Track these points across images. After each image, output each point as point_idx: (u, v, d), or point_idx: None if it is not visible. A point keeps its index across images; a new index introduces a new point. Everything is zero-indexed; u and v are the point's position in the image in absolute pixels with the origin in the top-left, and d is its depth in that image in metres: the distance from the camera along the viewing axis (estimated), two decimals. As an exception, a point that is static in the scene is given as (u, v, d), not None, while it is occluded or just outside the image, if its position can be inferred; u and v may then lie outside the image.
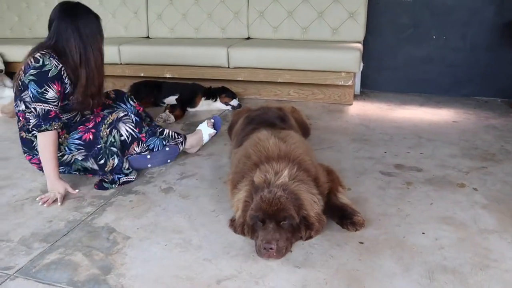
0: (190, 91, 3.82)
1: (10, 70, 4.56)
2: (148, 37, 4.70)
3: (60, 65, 2.17)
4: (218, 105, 3.80)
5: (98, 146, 2.27)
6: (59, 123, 2.19)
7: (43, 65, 2.12)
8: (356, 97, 4.04)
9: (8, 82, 4.53)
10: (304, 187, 1.66)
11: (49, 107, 2.15)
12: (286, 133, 2.04)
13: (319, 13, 4.04)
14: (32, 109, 2.15)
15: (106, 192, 2.24)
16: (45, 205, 2.15)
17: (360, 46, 3.79)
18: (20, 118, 2.30)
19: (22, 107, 2.23)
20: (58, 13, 2.26)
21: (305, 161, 1.83)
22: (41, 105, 2.14)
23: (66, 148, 2.30)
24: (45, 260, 1.70)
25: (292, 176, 1.66)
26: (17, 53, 4.47)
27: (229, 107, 3.76)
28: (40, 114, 2.13)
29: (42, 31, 4.96)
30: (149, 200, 2.14)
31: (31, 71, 2.13)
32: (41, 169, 2.27)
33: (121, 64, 4.25)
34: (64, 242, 1.82)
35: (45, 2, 5.03)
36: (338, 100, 3.84)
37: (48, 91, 2.13)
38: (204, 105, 3.81)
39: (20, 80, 2.20)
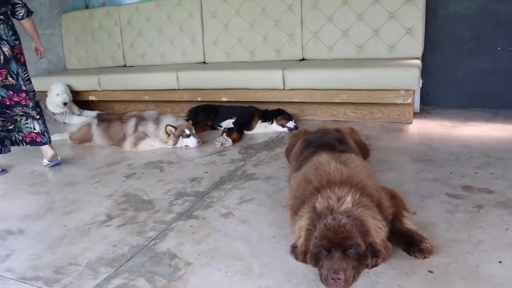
0: (247, 114, 3.84)
1: (77, 99, 4.78)
2: (204, 62, 4.81)
3: None
4: (274, 128, 3.79)
5: None
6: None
7: None
8: (415, 115, 3.91)
9: (75, 109, 4.77)
10: (368, 212, 1.60)
11: None
12: (347, 157, 1.99)
13: (375, 31, 3.97)
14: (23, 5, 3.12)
15: (167, 217, 2.27)
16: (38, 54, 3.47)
17: (418, 62, 3.68)
18: None
19: None
20: None
21: (368, 185, 1.77)
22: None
23: None
24: (111, 285, 1.73)
25: (355, 202, 1.61)
26: (83, 83, 4.71)
27: (285, 129, 3.75)
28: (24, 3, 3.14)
29: (106, 61, 5.25)
30: (209, 225, 2.15)
31: None
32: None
33: (179, 89, 4.34)
34: (128, 267, 1.85)
35: (109, 34, 5.27)
36: (397, 118, 3.73)
37: None
38: (261, 128, 3.81)
39: None
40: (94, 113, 4.88)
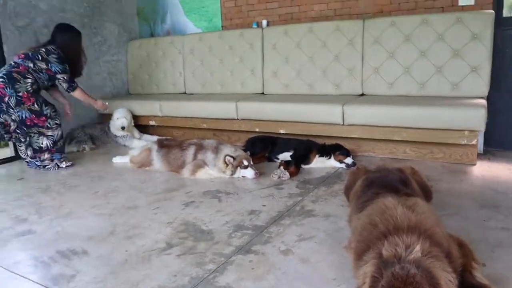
0: (305, 148, 3.85)
1: (138, 123, 4.96)
2: (263, 93, 4.87)
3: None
4: (332, 163, 3.77)
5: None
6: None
7: (59, 54, 3.95)
8: (479, 156, 3.77)
9: (136, 133, 4.94)
10: (438, 264, 1.55)
11: (69, 74, 4.02)
12: (413, 201, 1.95)
13: (438, 68, 3.91)
14: (62, 79, 4.03)
15: (227, 250, 2.29)
16: (103, 107, 4.43)
17: (484, 102, 3.57)
18: (21, 68, 3.83)
19: (30, 64, 3.86)
20: (61, 29, 4.20)
21: (437, 233, 1.72)
22: (66, 75, 4.03)
23: (18, 111, 3.85)
24: (172, 317, 1.75)
25: (424, 252, 1.56)
26: (145, 108, 4.90)
27: (343, 165, 3.72)
28: (68, 80, 4.04)
29: (167, 87, 5.45)
30: (268, 262, 2.14)
31: (54, 55, 3.93)
32: None
33: (238, 119, 4.41)
34: (189, 300, 1.87)
35: (171, 62, 5.48)
36: (460, 159, 3.62)
37: (67, 67, 4.00)
38: (318, 162, 3.80)
39: (41, 55, 3.90)
40: (153, 137, 5.04)
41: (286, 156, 3.90)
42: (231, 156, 3.57)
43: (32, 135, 3.98)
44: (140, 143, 4.85)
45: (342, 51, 4.31)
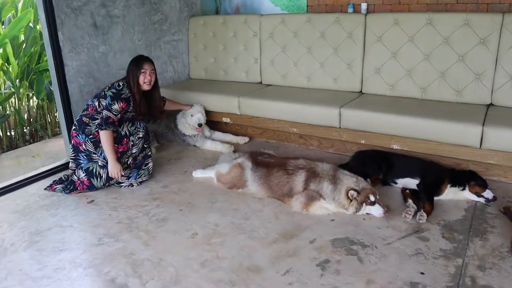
0: (435, 176, 3.19)
1: (208, 119, 4.30)
2: (361, 92, 4.15)
3: (130, 94, 3.38)
4: (466, 195, 3.12)
5: None
6: (114, 128, 3.33)
7: (121, 90, 3.35)
8: None
9: (206, 131, 4.29)
10: None
11: (110, 114, 3.28)
12: None
13: None
14: (102, 114, 3.30)
15: None
16: (116, 177, 3.40)
17: None
18: (90, 109, 3.42)
19: (96, 103, 3.38)
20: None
21: None
22: (106, 112, 3.28)
23: (101, 151, 3.39)
24: None
25: None
26: (219, 104, 4.36)
27: (480, 199, 3.06)
28: (104, 117, 3.27)
29: (238, 75, 4.71)
30: None
31: (113, 89, 3.33)
32: (73, 144, 3.43)
33: (339, 128, 3.72)
34: None
35: (245, 46, 4.70)
36: None
37: (115, 105, 3.28)
38: (450, 194, 3.16)
39: (105, 91, 3.36)
40: (226, 136, 4.38)
41: (408, 182, 3.26)
42: (355, 190, 2.91)
43: (124, 160, 3.50)
44: (214, 145, 4.20)
45: (471, 51, 3.54)
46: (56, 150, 4.68)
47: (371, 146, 3.66)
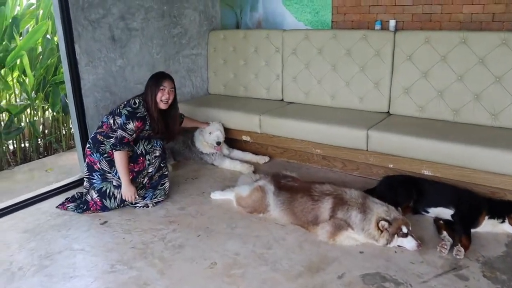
0: (470, 205, 2.97)
1: (227, 136, 4.12)
2: (388, 112, 3.95)
3: (146, 113, 3.21)
4: (505, 228, 2.90)
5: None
6: (129, 148, 3.16)
7: (137, 108, 3.18)
8: None
9: (225, 149, 4.12)
10: None
11: (125, 134, 3.12)
12: None
13: None
14: (116, 133, 3.12)
15: None
16: (130, 200, 3.24)
17: None
18: (104, 126, 3.26)
19: (111, 121, 3.22)
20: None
21: None
22: (121, 132, 3.11)
23: (115, 171, 3.21)
24: None
25: None
26: (239, 122, 4.19)
27: (521, 232, 2.83)
28: (118, 138, 3.11)
29: (259, 92, 4.55)
30: None
31: (128, 107, 3.15)
32: (87, 163, 3.27)
33: (366, 151, 3.52)
34: None
35: (266, 62, 4.54)
36: None
37: (130, 124, 3.11)
38: (487, 226, 2.93)
39: (120, 108, 3.20)
40: (245, 154, 4.20)
41: (442, 212, 3.04)
42: (387, 221, 2.70)
43: (140, 180, 3.37)
44: (233, 164, 4.02)
45: (509, 72, 3.33)
46: (70, 164, 4.54)
47: (400, 171, 3.46)
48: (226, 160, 4.08)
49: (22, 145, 5.06)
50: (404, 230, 2.71)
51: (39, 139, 5.10)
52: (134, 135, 3.16)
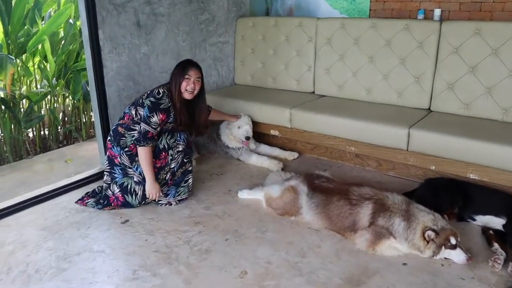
0: (524, 214, 2.68)
1: (254, 130, 3.88)
2: (429, 109, 3.66)
3: (170, 104, 2.98)
4: (561, 240, 2.60)
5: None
6: (153, 143, 2.94)
7: (161, 98, 2.94)
8: None
9: (251, 144, 3.89)
10: None
11: (149, 128, 2.90)
12: None
13: None
14: (139, 127, 2.92)
15: None
16: (153, 198, 3.03)
17: None
18: (126, 117, 3.05)
19: (133, 112, 3.02)
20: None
21: None
22: (145, 126, 2.90)
23: (136, 166, 3.02)
24: None
25: None
26: (268, 115, 3.95)
27: None
28: (142, 132, 2.89)
29: (288, 83, 4.30)
30: None
31: (151, 98, 2.93)
32: (108, 156, 3.07)
33: (406, 150, 3.25)
34: None
35: (298, 52, 4.27)
36: None
37: (154, 117, 2.89)
38: (541, 238, 2.64)
39: (143, 98, 2.99)
40: (273, 150, 3.97)
41: (491, 221, 2.79)
42: (434, 230, 2.45)
43: (162, 177, 3.16)
44: (260, 160, 3.80)
45: None
46: (89, 155, 4.37)
47: (442, 173, 3.18)
48: (253, 155, 3.86)
49: (42, 132, 4.91)
50: (453, 241, 2.47)
51: (59, 127, 4.94)
52: (158, 128, 2.96)
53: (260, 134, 4.10)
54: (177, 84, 3.02)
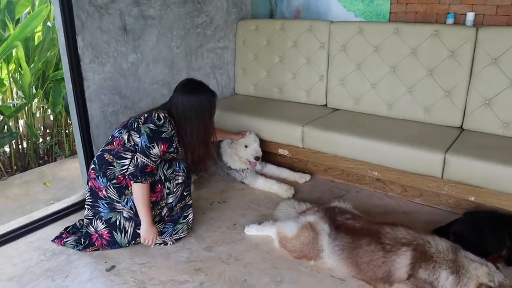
0: None
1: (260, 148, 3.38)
2: (461, 127, 3.20)
3: (174, 131, 2.47)
4: None
5: None
6: (152, 178, 2.45)
7: (162, 125, 2.43)
8: None
9: (258, 165, 3.39)
10: None
11: (149, 162, 2.40)
12: None
13: None
14: (135, 158, 2.42)
15: None
16: (149, 244, 2.54)
17: None
18: (115, 143, 2.51)
19: (124, 137, 2.49)
20: (180, 86, 2.58)
21: None
22: (143, 158, 2.39)
23: (126, 200, 2.50)
24: None
25: None
26: (276, 133, 3.49)
27: None
28: (139, 166, 2.39)
29: (297, 94, 3.84)
30: None
31: (151, 124, 2.41)
32: (91, 188, 2.53)
33: (441, 178, 2.77)
34: None
35: (307, 60, 3.79)
36: None
37: (154, 148, 2.40)
38: None
39: (139, 122, 2.45)
40: (281, 171, 3.48)
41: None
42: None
43: (156, 212, 2.64)
44: (268, 185, 3.33)
45: None
46: (72, 176, 3.86)
47: (482, 205, 2.71)
48: (260, 178, 3.37)
49: (20, 146, 4.35)
50: (512, 302, 1.98)
51: (38, 142, 4.40)
52: (158, 161, 2.48)
53: (265, 153, 3.59)
54: (207, 120, 2.60)
